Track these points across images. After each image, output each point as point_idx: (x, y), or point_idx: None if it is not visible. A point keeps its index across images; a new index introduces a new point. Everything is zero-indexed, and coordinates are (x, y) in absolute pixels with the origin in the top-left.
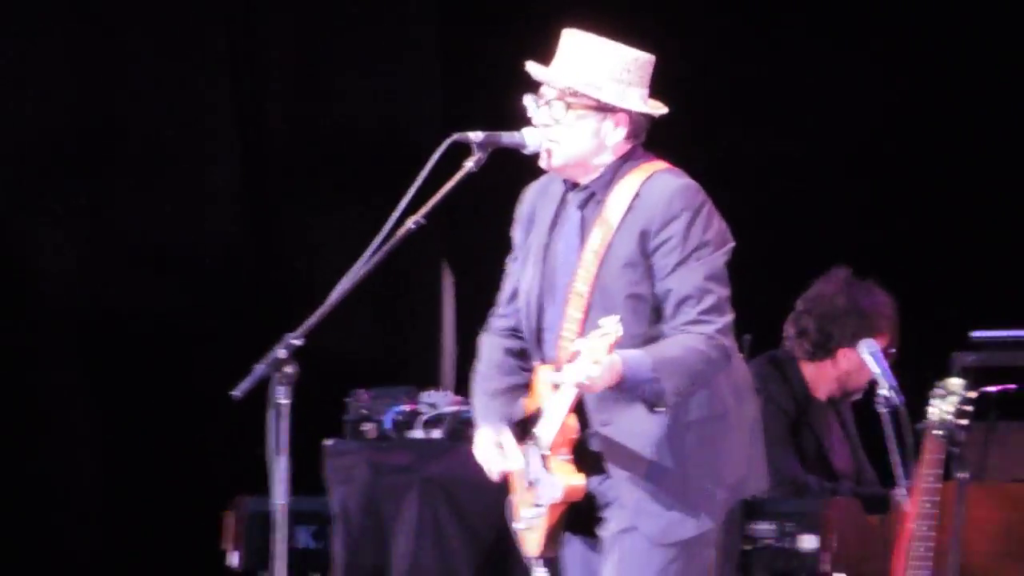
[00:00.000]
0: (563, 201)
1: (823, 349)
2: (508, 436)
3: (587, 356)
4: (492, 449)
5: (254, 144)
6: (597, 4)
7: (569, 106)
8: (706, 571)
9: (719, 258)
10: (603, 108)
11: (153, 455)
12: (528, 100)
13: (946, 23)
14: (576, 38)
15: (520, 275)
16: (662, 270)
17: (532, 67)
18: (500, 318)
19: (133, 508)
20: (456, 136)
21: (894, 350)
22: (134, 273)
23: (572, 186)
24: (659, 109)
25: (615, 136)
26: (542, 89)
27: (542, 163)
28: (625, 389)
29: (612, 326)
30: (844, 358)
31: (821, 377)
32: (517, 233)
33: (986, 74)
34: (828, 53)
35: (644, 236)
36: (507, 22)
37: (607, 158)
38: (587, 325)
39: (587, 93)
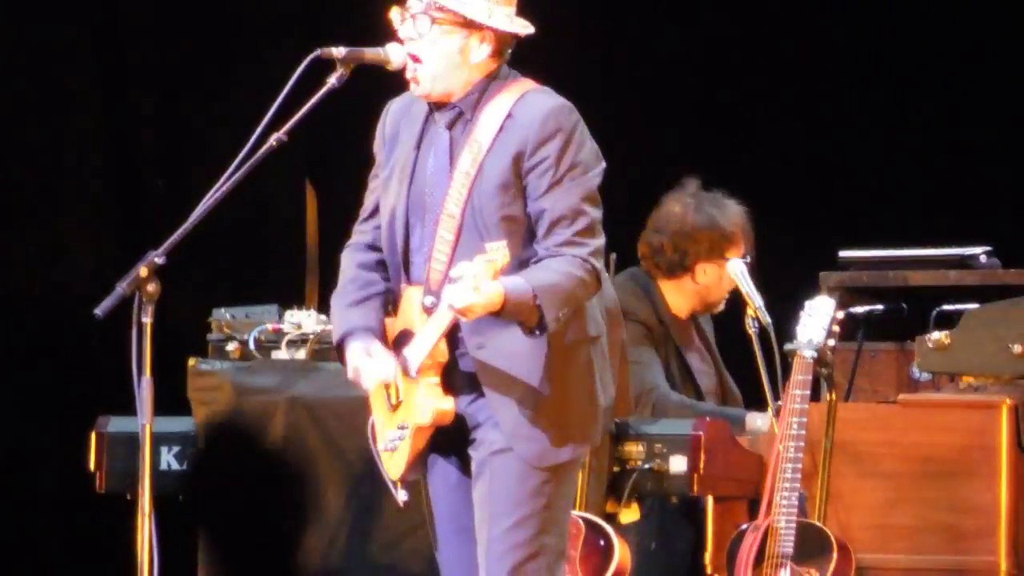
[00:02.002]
0: (428, 120)
1: (680, 266)
2: (377, 345)
3: (469, 282)
4: (365, 359)
5: (112, 50)
6: None
7: (434, 20)
8: (575, 492)
9: (592, 179)
10: (469, 24)
11: (15, 375)
12: (394, 14)
13: None
14: None
15: (382, 194)
16: (536, 191)
17: None
18: (358, 234)
19: None
20: (318, 52)
21: (749, 259)
22: None
23: (438, 105)
24: (526, 28)
25: (480, 53)
26: (408, 2)
27: (411, 91)
28: (506, 316)
29: (499, 252)
30: (703, 272)
31: (681, 294)
32: (379, 150)
33: None
34: None
35: (518, 157)
36: None
37: (473, 76)
38: (459, 247)
39: (453, 8)
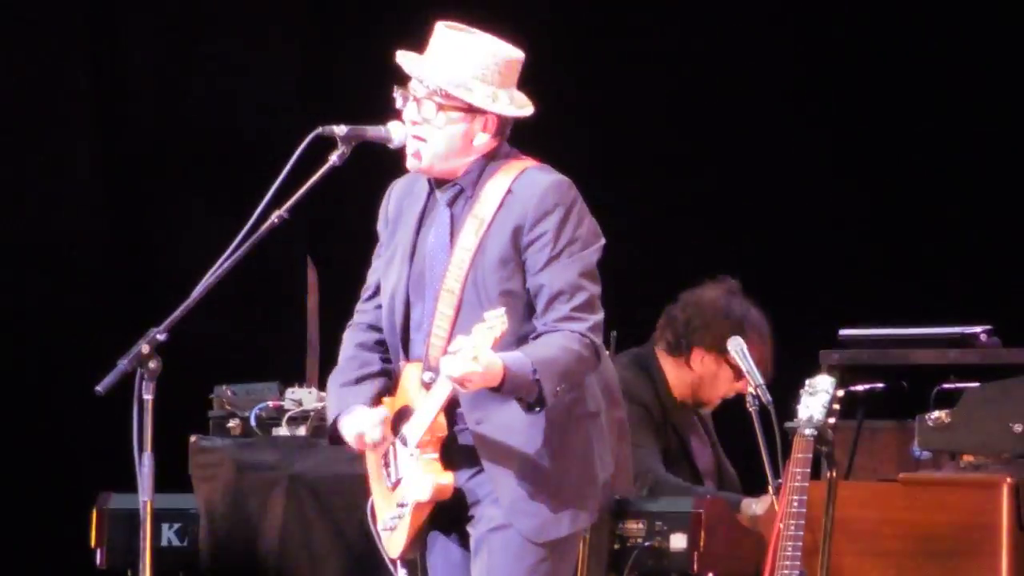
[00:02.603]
0: (429, 199)
1: (680, 345)
2: (378, 410)
3: (468, 352)
4: (364, 419)
5: (114, 134)
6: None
7: (440, 107)
8: (573, 568)
9: (591, 255)
10: (473, 111)
11: (15, 452)
12: (397, 94)
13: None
14: (448, 34)
15: (384, 274)
16: (534, 266)
17: (403, 59)
18: (360, 313)
19: None
20: (320, 129)
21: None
22: None
23: (439, 183)
24: (526, 109)
25: (482, 137)
26: (411, 84)
27: (409, 164)
28: (505, 391)
29: (497, 320)
30: (699, 360)
31: (679, 376)
32: (382, 231)
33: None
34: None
35: (517, 232)
36: (376, 13)
37: (474, 156)
38: (459, 322)
39: (458, 96)
